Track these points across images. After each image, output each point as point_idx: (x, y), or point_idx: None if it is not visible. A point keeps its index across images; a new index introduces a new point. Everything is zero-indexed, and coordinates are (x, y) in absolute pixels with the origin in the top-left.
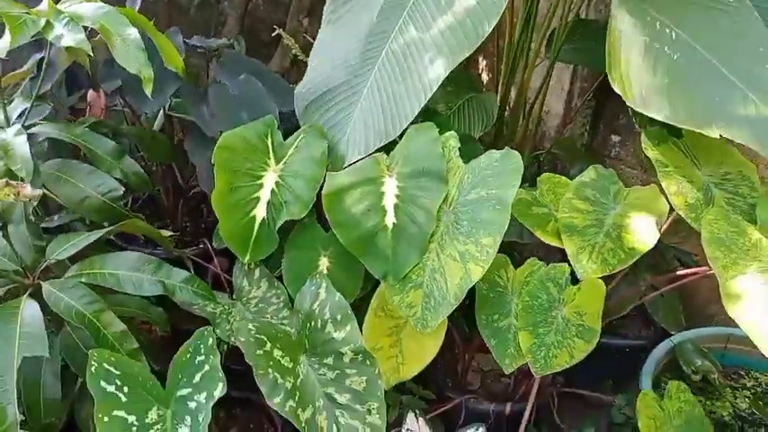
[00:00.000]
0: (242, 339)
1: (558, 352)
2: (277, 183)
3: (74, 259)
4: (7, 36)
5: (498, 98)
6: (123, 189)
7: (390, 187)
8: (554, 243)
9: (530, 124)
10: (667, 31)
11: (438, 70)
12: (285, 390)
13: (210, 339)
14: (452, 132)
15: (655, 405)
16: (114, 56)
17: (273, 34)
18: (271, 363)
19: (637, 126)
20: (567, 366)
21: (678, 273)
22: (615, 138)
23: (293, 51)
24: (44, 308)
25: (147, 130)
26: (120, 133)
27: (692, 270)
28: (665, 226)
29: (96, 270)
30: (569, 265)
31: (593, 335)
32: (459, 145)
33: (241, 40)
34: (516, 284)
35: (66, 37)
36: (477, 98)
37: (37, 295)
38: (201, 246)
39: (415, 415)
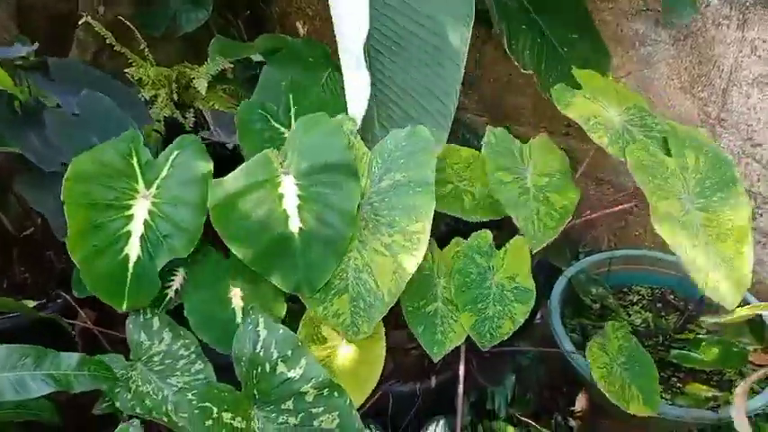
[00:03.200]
0: (184, 415)
1: (501, 322)
2: (151, 212)
3: None
4: None
5: None
6: None
7: (289, 187)
8: (477, 218)
9: None
10: None
11: None
12: None
13: None
14: (345, 115)
15: (601, 352)
16: None
17: (78, 25)
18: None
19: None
20: (511, 333)
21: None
22: None
23: (107, 40)
24: None
25: None
26: None
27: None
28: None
29: None
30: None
31: (529, 295)
32: (356, 128)
33: (26, 41)
34: (443, 265)
35: None
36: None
37: None
38: (59, 300)
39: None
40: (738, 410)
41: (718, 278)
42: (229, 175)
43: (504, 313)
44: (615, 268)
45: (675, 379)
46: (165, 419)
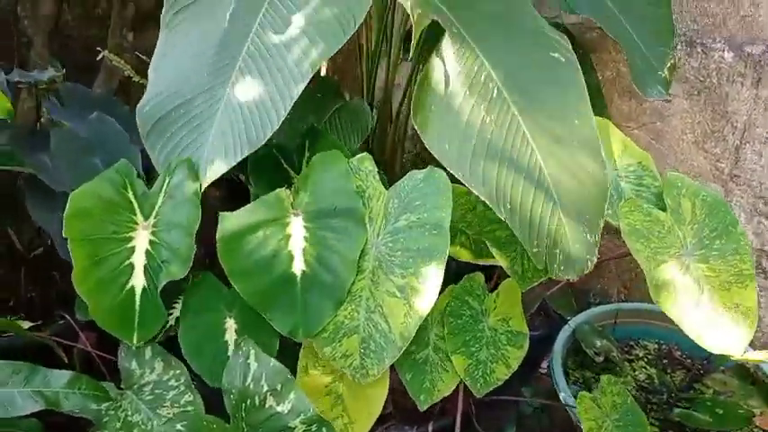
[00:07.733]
0: None
1: (494, 366)
2: (151, 242)
3: None
4: None
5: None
6: None
7: (297, 228)
8: (466, 259)
9: (398, 129)
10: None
11: (311, 61)
12: None
13: None
14: (365, 154)
15: (593, 405)
16: None
17: (99, 57)
18: None
19: None
20: (506, 378)
21: None
22: None
23: (125, 72)
24: None
25: None
26: None
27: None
28: None
29: None
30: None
31: (522, 338)
32: (375, 168)
33: (58, 66)
34: (436, 312)
35: None
36: (346, 107)
37: None
38: (61, 321)
39: None
40: None
41: (720, 331)
42: (240, 209)
43: (498, 357)
44: (622, 321)
45: None
46: None
